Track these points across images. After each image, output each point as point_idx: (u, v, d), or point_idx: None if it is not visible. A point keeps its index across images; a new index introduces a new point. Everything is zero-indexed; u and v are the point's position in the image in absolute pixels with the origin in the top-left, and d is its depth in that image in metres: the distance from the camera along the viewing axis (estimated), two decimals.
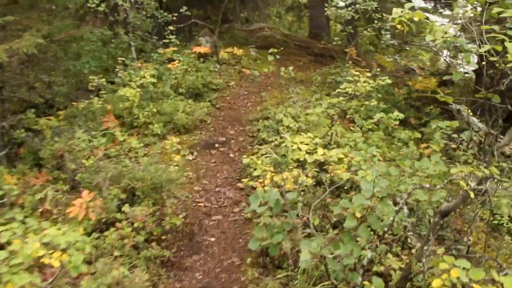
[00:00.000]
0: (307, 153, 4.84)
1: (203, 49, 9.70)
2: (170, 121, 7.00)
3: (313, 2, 18.67)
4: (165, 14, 7.98)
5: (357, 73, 5.38)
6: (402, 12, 2.90)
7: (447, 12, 14.36)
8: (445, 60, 16.93)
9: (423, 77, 13.49)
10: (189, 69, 8.92)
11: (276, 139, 6.31)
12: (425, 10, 15.80)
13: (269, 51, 6.79)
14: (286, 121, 6.61)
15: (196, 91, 8.19)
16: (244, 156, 6.10)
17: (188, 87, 8.26)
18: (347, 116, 7.42)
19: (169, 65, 9.25)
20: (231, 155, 6.33)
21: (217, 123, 7.39)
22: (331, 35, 18.98)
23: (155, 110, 6.88)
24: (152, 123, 6.91)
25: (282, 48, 12.95)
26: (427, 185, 2.91)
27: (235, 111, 7.89)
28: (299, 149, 4.87)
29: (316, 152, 4.67)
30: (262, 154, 6.04)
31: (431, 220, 3.37)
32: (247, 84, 9.17)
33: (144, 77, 6.83)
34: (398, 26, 3.06)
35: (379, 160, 4.07)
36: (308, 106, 7.57)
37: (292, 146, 5.09)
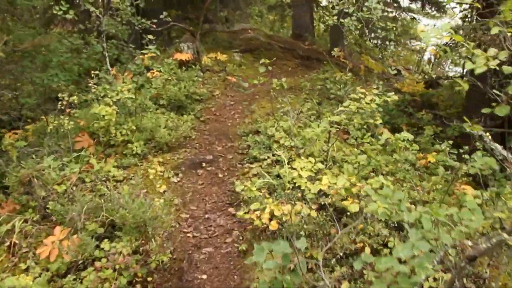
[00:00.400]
0: (309, 179, 4.39)
1: (185, 55, 9.17)
2: (152, 138, 6.46)
3: (296, 1, 18.27)
4: (143, 20, 7.42)
5: (363, 90, 4.91)
6: (431, 31, 2.44)
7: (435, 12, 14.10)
8: (431, 61, 16.69)
9: (413, 80, 13.19)
10: (170, 78, 8.40)
11: (268, 157, 5.84)
12: (409, 10, 15.53)
13: (260, 62, 6.31)
14: (279, 136, 6.15)
15: (178, 103, 7.66)
16: (235, 178, 5.63)
17: (170, 99, 7.74)
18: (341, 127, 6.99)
19: (148, 74, 8.71)
20: (220, 175, 5.82)
21: (202, 139, 6.88)
22: (315, 35, 18.60)
23: (134, 128, 6.34)
24: (131, 141, 6.38)
25: (266, 51, 12.53)
26: (470, 243, 2.48)
27: (222, 124, 7.39)
28: (300, 175, 4.41)
29: (319, 180, 4.21)
30: (254, 174, 5.57)
31: (455, 262, 2.93)
32: (233, 93, 8.68)
33: (122, 91, 6.28)
34: (431, 51, 2.60)
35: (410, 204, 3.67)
36: (300, 118, 7.13)
37: (291, 172, 4.64)
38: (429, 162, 5.79)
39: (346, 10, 6.73)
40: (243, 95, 8.64)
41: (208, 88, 8.65)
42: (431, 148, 6.82)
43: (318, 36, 19.22)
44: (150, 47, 6.54)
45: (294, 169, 4.52)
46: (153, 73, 8.66)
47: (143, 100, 7.31)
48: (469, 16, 11.74)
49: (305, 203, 4.29)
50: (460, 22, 15.19)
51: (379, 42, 18.55)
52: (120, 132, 6.31)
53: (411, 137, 4.90)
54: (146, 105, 7.26)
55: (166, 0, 13.08)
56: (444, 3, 13.39)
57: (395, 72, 15.10)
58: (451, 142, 5.46)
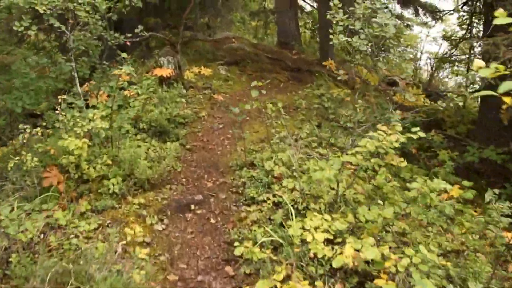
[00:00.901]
0: (327, 244, 3.60)
1: (165, 71, 8.31)
2: (131, 173, 5.60)
3: (280, 7, 17.55)
4: (116, 35, 6.54)
5: (384, 128, 4.14)
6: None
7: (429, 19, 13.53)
8: (431, 71, 16.15)
9: (413, 92, 12.56)
10: (150, 98, 7.56)
11: (268, 198, 5.03)
12: (399, 17, 14.95)
13: (252, 84, 5.52)
14: (278, 172, 5.35)
15: (160, 128, 6.81)
16: (230, 226, 4.80)
17: (151, 123, 6.88)
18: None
19: (125, 92, 7.84)
20: (212, 221, 4.98)
21: (189, 172, 6.03)
22: (301, 43, 17.91)
23: (110, 162, 5.47)
24: (107, 177, 5.51)
25: (253, 62, 11.75)
26: None
27: (211, 153, 6.56)
28: (314, 237, 3.61)
29: (341, 248, 3.41)
30: (253, 221, 4.76)
31: None
32: (221, 114, 7.85)
33: (94, 119, 5.39)
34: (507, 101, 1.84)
35: None
36: (300, 145, 6.35)
37: (298, 224, 3.84)
38: (452, 197, 5.06)
39: (352, 27, 5.94)
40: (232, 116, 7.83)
41: (193, 109, 7.82)
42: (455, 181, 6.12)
43: (305, 44, 18.53)
44: (124, 67, 5.66)
45: (307, 230, 3.71)
46: (131, 91, 7.81)
47: (120, 125, 6.44)
48: (468, 24, 11.21)
49: (322, 273, 3.49)
50: (456, 28, 14.72)
51: (370, 49, 18.02)
52: (94, 168, 5.44)
53: (469, 196, 4.11)
54: (123, 131, 6.40)
55: (142, 9, 12.21)
56: (440, 10, 12.83)
57: (391, 81, 14.49)
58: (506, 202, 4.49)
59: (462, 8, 11.28)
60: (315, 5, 20.34)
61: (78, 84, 6.09)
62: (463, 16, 11.54)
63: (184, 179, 5.81)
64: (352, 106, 8.65)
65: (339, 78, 10.69)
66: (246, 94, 9.01)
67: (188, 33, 17.35)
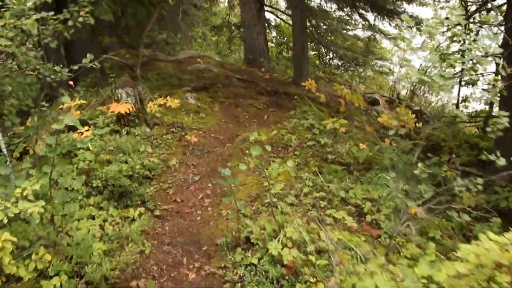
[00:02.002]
0: None
1: (124, 106, 6.65)
2: (81, 268, 3.94)
3: (247, 20, 16.12)
4: (57, 68, 4.84)
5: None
6: None
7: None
8: (412, 88, 15.04)
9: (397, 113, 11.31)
10: (107, 141, 5.92)
11: None
12: (381, 31, 13.79)
13: (253, 152, 3.97)
14: (290, 259, 3.81)
15: (120, 188, 5.15)
16: None
17: (107, 181, 5.22)
18: (367, 219, 4.76)
19: (74, 135, 6.15)
20: None
21: (162, 254, 4.39)
22: (270, 60, 16.53)
23: (49, 257, 3.79)
24: (48, 275, 3.84)
25: (225, 87, 10.21)
26: None
27: (188, 220, 4.95)
28: None
29: None
30: None
31: None
32: (196, 160, 6.25)
33: (23, 196, 3.71)
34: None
35: None
36: (305, 204, 4.85)
37: None
38: None
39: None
40: (209, 161, 6.25)
41: (161, 155, 6.18)
42: None
43: (273, 60, 17.14)
44: (66, 118, 3.98)
45: None
46: (83, 132, 6.13)
47: (66, 183, 4.74)
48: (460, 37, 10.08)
49: None
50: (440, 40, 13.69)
51: (343, 64, 16.75)
52: (26, 267, 3.75)
53: None
54: (70, 189, 4.72)
55: (95, 27, 10.50)
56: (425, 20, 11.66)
57: (371, 99, 13.25)
58: None
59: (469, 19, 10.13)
60: (284, 17, 19.06)
61: (3, 145, 4.37)
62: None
63: (155, 268, 4.17)
64: (347, 137, 7.26)
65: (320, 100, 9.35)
66: (223, 130, 7.45)
67: (147, 51, 15.69)
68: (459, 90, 10.65)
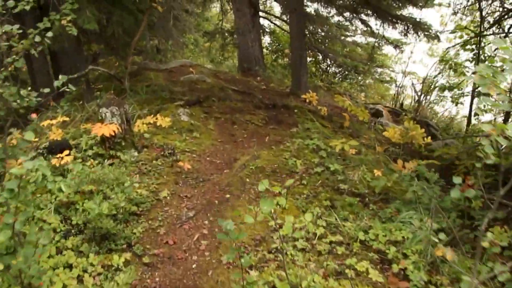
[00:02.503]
0: None
1: (108, 128, 5.86)
2: None
3: (241, 27, 15.39)
4: (24, 92, 4.06)
5: None
6: None
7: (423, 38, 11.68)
8: (417, 95, 14.30)
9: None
10: (89, 176, 5.14)
11: None
12: (385, 38, 13.07)
13: (261, 186, 3.21)
14: None
15: (102, 230, 4.38)
16: None
17: (88, 222, 4.45)
18: (393, 269, 4.02)
19: (53, 161, 5.37)
20: None
21: None
22: (266, 68, 15.81)
23: None
24: None
25: (220, 101, 9.46)
26: None
27: (182, 269, 4.17)
28: None
29: None
30: None
31: None
32: (190, 191, 5.47)
33: None
34: None
35: None
36: (318, 249, 4.11)
37: None
38: None
39: None
40: (205, 192, 5.48)
41: (150, 185, 5.40)
42: None
43: (269, 68, 16.42)
44: (26, 134, 3.21)
45: None
46: (62, 158, 5.36)
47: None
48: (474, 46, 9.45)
49: None
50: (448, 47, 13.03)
51: (341, 71, 16.05)
52: None
53: None
54: (47, 230, 3.94)
55: (79, 36, 9.73)
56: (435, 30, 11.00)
57: (374, 111, 12.55)
58: None
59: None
60: (278, 22, 18.36)
61: None
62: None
63: None
64: (359, 161, 6.53)
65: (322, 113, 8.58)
66: (220, 152, 6.69)
67: (138, 57, 14.92)
68: (471, 102, 9.98)
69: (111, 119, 6.22)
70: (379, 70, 15.95)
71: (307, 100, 10.00)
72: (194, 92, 10.01)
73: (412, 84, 13.65)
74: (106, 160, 5.81)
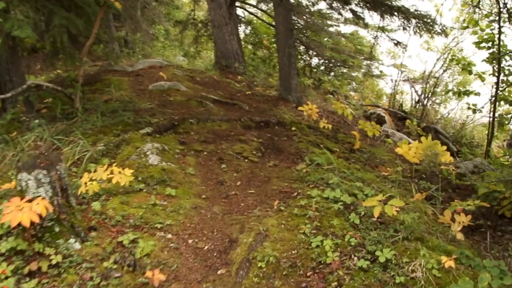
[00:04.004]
0: None
1: (29, 212, 3.35)
2: None
3: (217, 20, 12.71)
4: None
5: None
6: None
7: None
8: (417, 94, 11.97)
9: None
10: None
11: None
12: (383, 29, 10.62)
13: None
14: None
15: None
16: None
17: None
18: None
19: None
20: None
21: None
22: (246, 65, 13.23)
23: None
24: None
25: (200, 123, 6.95)
26: None
27: None
28: None
29: None
30: None
31: None
32: None
33: None
34: None
35: None
36: None
37: None
38: None
39: None
40: None
41: None
42: None
43: (248, 63, 13.85)
44: None
45: None
46: None
47: None
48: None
49: None
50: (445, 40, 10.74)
51: (328, 66, 13.60)
52: None
53: None
54: None
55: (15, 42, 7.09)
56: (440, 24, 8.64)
57: (368, 114, 10.24)
58: None
59: None
60: (252, 9, 15.66)
61: None
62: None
63: None
64: (406, 229, 4.24)
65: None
66: (207, 226, 4.23)
67: (102, 50, 12.20)
68: (494, 110, 7.72)
69: (37, 190, 3.68)
70: (366, 63, 13.57)
71: (305, 114, 7.62)
72: (166, 108, 7.46)
73: (408, 79, 11.41)
74: (26, 268, 3.32)
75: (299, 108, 7.63)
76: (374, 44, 10.69)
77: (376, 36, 9.95)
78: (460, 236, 4.52)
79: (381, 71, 13.12)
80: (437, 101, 11.07)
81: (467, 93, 7.84)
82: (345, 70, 13.21)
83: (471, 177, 6.51)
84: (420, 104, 11.05)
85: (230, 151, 5.93)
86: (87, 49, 7.07)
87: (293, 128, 7.25)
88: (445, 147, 6.10)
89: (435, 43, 11.12)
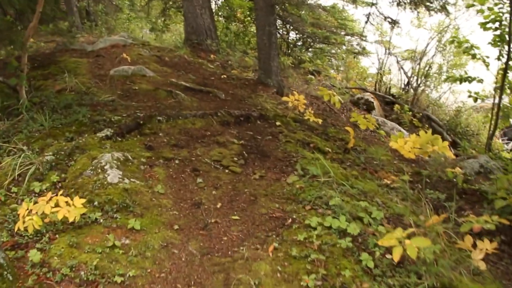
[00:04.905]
0: None
1: None
2: None
3: None
4: None
5: None
6: None
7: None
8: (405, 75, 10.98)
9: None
10: None
11: None
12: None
13: None
14: None
15: None
16: None
17: None
18: None
19: None
20: None
21: None
22: (219, 41, 11.99)
23: None
24: None
25: (170, 120, 5.85)
26: None
27: None
28: None
29: None
30: None
31: None
32: None
33: None
34: None
35: None
36: None
37: None
38: None
39: None
40: None
41: None
42: None
43: (222, 39, 12.60)
44: None
45: None
46: None
47: None
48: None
49: None
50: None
51: (307, 42, 12.49)
52: None
53: None
54: None
55: None
56: None
57: (360, 96, 9.29)
58: None
59: None
60: None
61: None
62: None
63: None
64: (431, 273, 3.40)
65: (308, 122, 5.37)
66: (183, 276, 3.25)
67: (63, 23, 10.82)
68: (500, 100, 6.89)
69: None
70: (348, 38, 12.53)
71: (290, 104, 6.64)
72: (129, 100, 6.31)
73: (397, 59, 10.51)
74: None
75: (284, 98, 6.62)
76: (366, 22, 9.60)
77: (369, 13, 8.88)
78: (483, 266, 3.71)
79: (364, 48, 12.11)
80: (431, 85, 10.23)
81: (469, 79, 6.98)
82: (326, 47, 12.15)
83: (478, 179, 5.74)
84: (410, 87, 10.20)
85: (206, 158, 4.90)
86: (31, 31, 5.77)
87: (278, 123, 6.26)
88: (446, 143, 5.26)
89: (427, 20, 10.19)
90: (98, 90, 6.57)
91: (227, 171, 4.73)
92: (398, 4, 8.09)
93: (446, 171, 5.85)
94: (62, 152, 4.63)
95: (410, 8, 7.88)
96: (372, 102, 8.73)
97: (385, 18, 9.09)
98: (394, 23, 9.14)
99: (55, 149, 4.68)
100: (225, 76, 8.66)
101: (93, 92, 6.40)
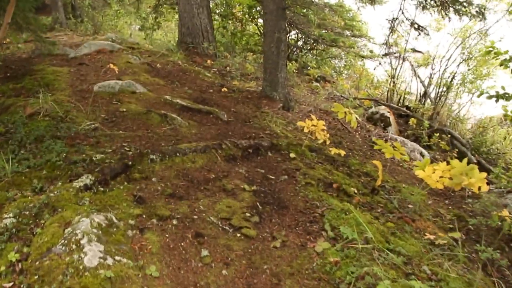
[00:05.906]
0: None
1: None
2: None
3: None
4: None
5: None
6: None
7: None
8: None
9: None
10: None
11: None
12: None
13: None
14: None
15: None
16: None
17: None
18: None
19: None
20: None
21: None
22: (216, 45, 10.81)
23: None
24: None
25: (165, 159, 4.74)
26: None
27: None
28: None
29: None
30: None
31: None
32: None
33: None
34: None
35: None
36: None
37: None
38: None
39: None
40: None
41: None
42: None
43: (220, 43, 11.42)
44: None
45: None
46: None
47: None
48: None
49: None
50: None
51: (313, 46, 11.36)
52: None
53: None
54: None
55: None
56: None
57: (375, 110, 8.24)
58: None
59: None
60: None
61: None
62: None
63: None
64: None
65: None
66: None
67: (46, 20, 9.62)
68: None
69: None
70: (353, 39, 11.41)
71: (306, 129, 5.57)
72: (116, 128, 5.18)
73: (413, 67, 9.41)
74: None
75: (299, 123, 5.54)
76: (391, 28, 8.34)
77: (395, 18, 7.66)
78: None
79: (370, 51, 11.00)
80: (451, 97, 9.14)
81: (507, 96, 5.94)
82: (332, 50, 11.02)
83: None
84: (427, 98, 9.13)
85: (212, 215, 3.83)
86: (3, 30, 4.59)
87: (292, 155, 5.19)
88: (484, 174, 4.25)
89: (446, 23, 9.08)
90: (78, 113, 5.42)
91: (239, 235, 3.66)
92: (424, 8, 6.97)
93: (491, 215, 4.87)
94: (27, 212, 3.53)
95: (439, 13, 6.78)
96: (388, 117, 7.68)
97: (412, 24, 7.91)
98: (420, 28, 7.99)
99: (17, 208, 3.57)
100: (225, 89, 7.53)
101: (72, 118, 5.26)
